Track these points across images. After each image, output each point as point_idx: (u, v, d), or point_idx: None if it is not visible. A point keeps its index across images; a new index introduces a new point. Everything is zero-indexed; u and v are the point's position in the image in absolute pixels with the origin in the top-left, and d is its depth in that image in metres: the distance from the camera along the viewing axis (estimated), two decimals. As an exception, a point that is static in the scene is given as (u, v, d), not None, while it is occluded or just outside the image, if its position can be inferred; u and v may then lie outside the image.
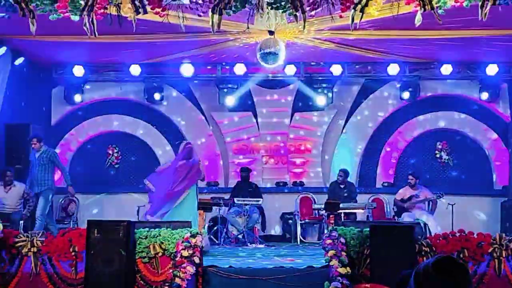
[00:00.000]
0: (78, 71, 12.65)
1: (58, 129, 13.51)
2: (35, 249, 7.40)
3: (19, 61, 11.41)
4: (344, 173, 12.22)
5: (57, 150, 13.29)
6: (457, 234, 7.47)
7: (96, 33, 6.39)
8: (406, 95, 13.14)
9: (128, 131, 13.68)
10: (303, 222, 12.45)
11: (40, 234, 7.52)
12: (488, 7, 6.11)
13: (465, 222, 10.74)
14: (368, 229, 7.32)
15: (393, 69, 12.57)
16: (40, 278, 7.37)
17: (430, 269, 2.65)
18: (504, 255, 7.30)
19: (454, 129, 13.44)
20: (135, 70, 12.62)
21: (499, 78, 12.71)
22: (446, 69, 12.49)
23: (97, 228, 7.01)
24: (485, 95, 12.97)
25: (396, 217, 11.73)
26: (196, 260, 6.99)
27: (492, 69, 12.35)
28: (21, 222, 10.35)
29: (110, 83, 13.45)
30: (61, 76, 12.97)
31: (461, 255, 7.25)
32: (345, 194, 11.93)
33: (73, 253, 7.31)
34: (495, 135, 13.20)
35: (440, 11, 6.36)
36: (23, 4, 6.23)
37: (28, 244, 7.42)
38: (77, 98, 13.29)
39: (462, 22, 8.66)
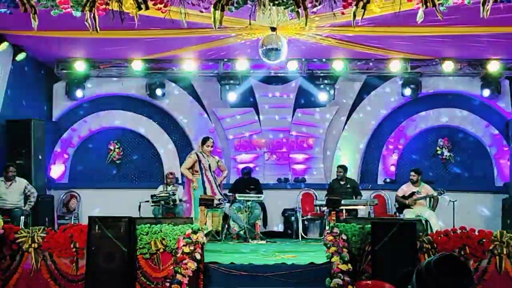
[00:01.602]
0: (80, 66, 12.63)
1: (60, 125, 13.53)
2: (36, 245, 7.40)
3: (20, 56, 11.38)
4: (343, 169, 12.23)
5: (58, 146, 13.38)
6: (459, 231, 7.46)
7: (98, 28, 6.38)
8: (407, 91, 13.14)
9: (129, 127, 13.68)
10: (304, 218, 12.46)
11: (41, 230, 7.52)
12: (490, 5, 6.09)
13: (466, 219, 10.73)
14: (369, 225, 7.32)
15: (394, 65, 12.56)
16: (41, 274, 7.37)
17: (433, 267, 2.65)
18: (505, 252, 7.29)
19: (455, 126, 13.45)
20: (137, 65, 12.62)
21: (501, 75, 12.70)
22: (448, 66, 12.45)
23: (98, 224, 7.01)
24: (486, 92, 12.96)
25: (397, 214, 11.72)
26: (198, 256, 6.99)
27: (493, 66, 12.33)
28: (22, 218, 10.34)
29: (111, 78, 13.45)
30: (62, 71, 12.94)
31: (462, 252, 7.25)
32: (349, 190, 11.94)
33: (74, 249, 7.31)
34: (496, 132, 13.21)
35: (442, 8, 6.34)
36: (24, 0, 6.21)
37: (29, 240, 7.43)
38: (79, 93, 13.27)
39: (464, 19, 8.65)
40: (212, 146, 10.37)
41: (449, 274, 2.63)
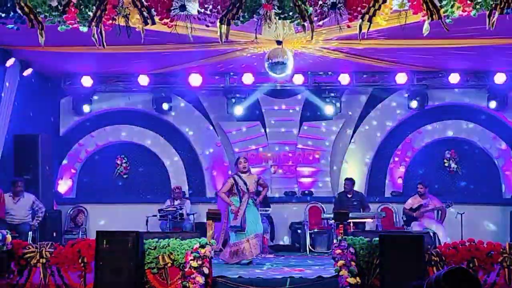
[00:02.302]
0: (87, 81, 12.68)
1: (67, 140, 13.56)
2: (44, 260, 7.41)
3: (27, 72, 11.44)
4: (350, 181, 12.18)
5: (65, 161, 13.41)
6: (467, 244, 7.43)
7: (105, 43, 6.41)
8: (414, 104, 13.12)
9: (136, 141, 13.70)
10: (312, 231, 12.43)
11: (49, 245, 7.53)
12: (496, 16, 6.11)
13: (474, 231, 10.70)
14: (377, 238, 7.30)
15: (401, 78, 12.56)
16: (49, 289, 7.38)
17: (442, 281, 2.64)
18: (514, 264, 7.26)
19: (462, 138, 13.42)
20: (143, 80, 12.66)
21: (507, 87, 12.66)
22: (454, 78, 12.45)
23: (106, 238, 7.02)
24: (493, 104, 12.93)
25: (405, 226, 11.68)
26: (205, 270, 6.98)
27: (500, 78, 12.32)
28: (30, 233, 10.34)
29: (118, 93, 13.47)
30: (69, 86, 13.00)
31: (471, 265, 7.22)
32: (355, 203, 11.89)
33: (82, 264, 7.31)
34: (503, 144, 13.17)
35: (447, 20, 6.35)
36: (32, 16, 6.25)
37: (37, 255, 7.44)
38: (86, 108, 13.31)
39: (469, 31, 8.66)
40: (244, 163, 10.15)
41: (459, 287, 2.62)
